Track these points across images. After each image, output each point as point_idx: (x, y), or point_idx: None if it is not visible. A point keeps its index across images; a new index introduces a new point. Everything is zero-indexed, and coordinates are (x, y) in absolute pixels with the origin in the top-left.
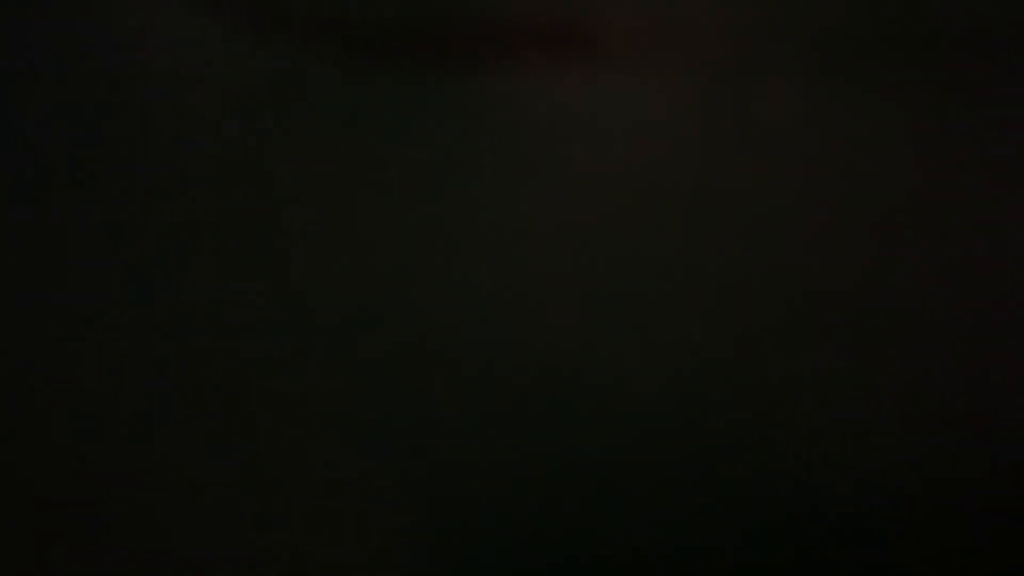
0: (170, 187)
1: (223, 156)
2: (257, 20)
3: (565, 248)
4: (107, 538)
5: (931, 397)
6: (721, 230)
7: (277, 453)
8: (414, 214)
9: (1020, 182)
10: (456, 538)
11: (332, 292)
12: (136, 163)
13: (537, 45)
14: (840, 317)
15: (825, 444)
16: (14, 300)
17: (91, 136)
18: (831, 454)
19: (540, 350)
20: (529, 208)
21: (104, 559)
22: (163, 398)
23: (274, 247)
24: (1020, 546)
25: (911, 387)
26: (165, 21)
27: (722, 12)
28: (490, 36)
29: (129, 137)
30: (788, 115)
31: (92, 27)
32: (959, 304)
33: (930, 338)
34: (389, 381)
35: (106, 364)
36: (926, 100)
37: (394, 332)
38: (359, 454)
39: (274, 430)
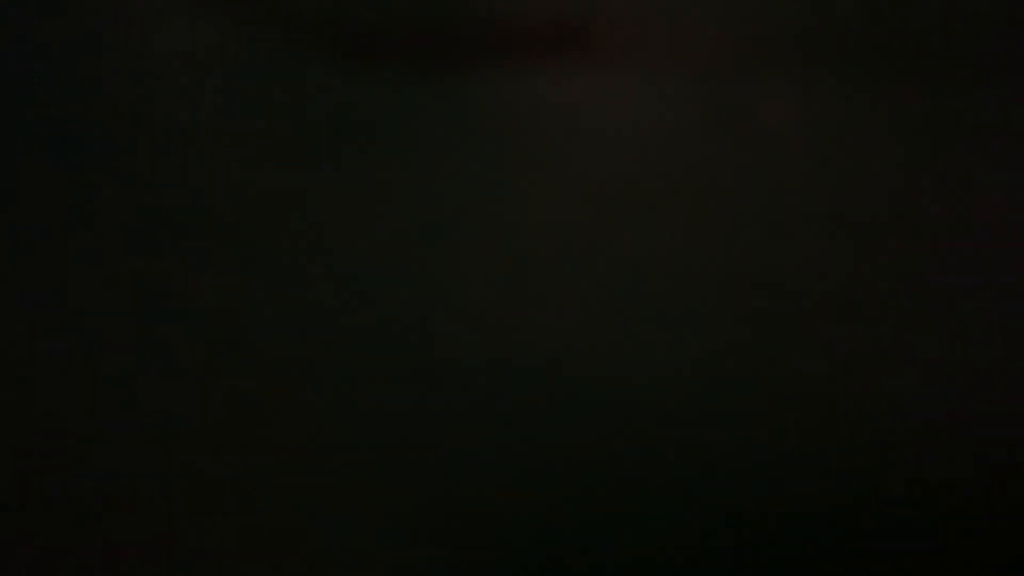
0: (170, 186)
1: (223, 155)
2: (257, 20)
3: (565, 246)
4: (113, 539)
5: (931, 396)
6: (720, 228)
7: (280, 452)
8: (414, 212)
9: (1020, 182)
10: (459, 535)
11: (331, 290)
12: (136, 162)
13: (537, 45)
14: (839, 315)
15: (825, 443)
16: (19, 296)
17: (91, 135)
18: (831, 453)
19: (541, 348)
20: (528, 206)
21: (109, 559)
22: (164, 397)
23: (273, 246)
24: (1019, 546)
25: (911, 386)
26: (165, 21)
27: (722, 12)
28: (490, 36)
29: (129, 136)
30: (787, 115)
31: (91, 27)
32: (959, 303)
33: (930, 337)
34: (388, 378)
35: (106, 361)
36: (924, 100)
37: (395, 330)
38: (363, 452)
39: (275, 427)
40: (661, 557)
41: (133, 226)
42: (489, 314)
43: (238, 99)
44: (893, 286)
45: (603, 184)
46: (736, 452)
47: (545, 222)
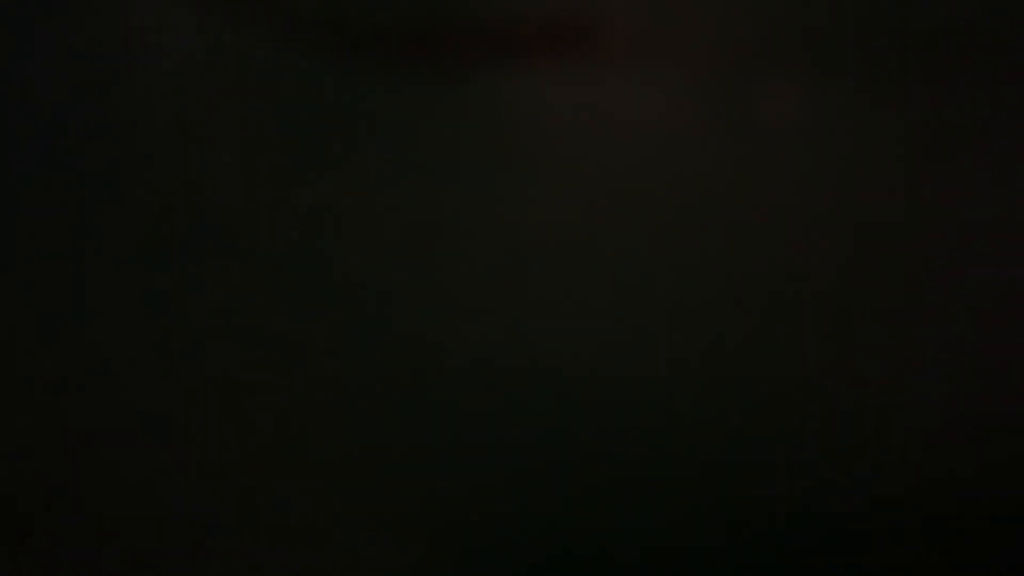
0: (170, 186)
1: (222, 154)
2: (257, 20)
3: (565, 247)
4: (114, 540)
5: (931, 396)
6: (721, 229)
7: (283, 450)
8: (414, 213)
9: (1020, 182)
10: (459, 534)
11: (333, 290)
12: (136, 162)
13: (537, 45)
14: (839, 317)
15: (823, 442)
16: (18, 300)
17: (91, 135)
18: (829, 452)
19: (541, 348)
20: (529, 207)
21: (110, 559)
22: (166, 396)
23: (274, 246)
24: (1018, 546)
25: (910, 386)
26: (165, 21)
27: (722, 12)
28: (490, 36)
29: (129, 136)
30: (788, 115)
31: (91, 26)
32: (959, 303)
33: (930, 337)
34: (392, 378)
35: (110, 365)
36: (925, 100)
37: (395, 329)
38: (365, 453)
39: (279, 427)
40: (662, 556)
41: (134, 225)
42: (491, 313)
43: (237, 98)
44: (897, 286)
45: (605, 184)
46: (738, 451)
47: (548, 222)
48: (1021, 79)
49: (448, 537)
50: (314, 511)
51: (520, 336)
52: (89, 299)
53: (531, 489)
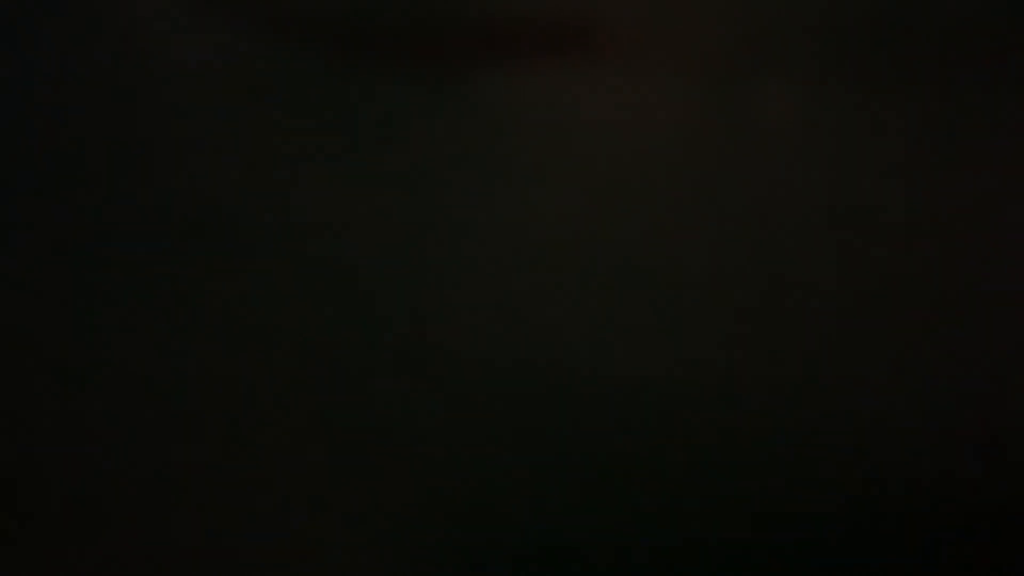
0: (171, 186)
1: (223, 155)
2: (258, 20)
3: (564, 246)
4: (115, 537)
5: (931, 397)
6: (720, 229)
7: (283, 449)
8: (413, 213)
9: (1020, 182)
10: (458, 533)
11: (331, 290)
12: (136, 163)
13: (537, 45)
14: (838, 316)
15: (820, 442)
16: (20, 298)
17: (91, 135)
18: (826, 452)
19: (540, 347)
20: (528, 206)
21: (110, 558)
22: (167, 394)
23: (275, 245)
24: (1018, 546)
25: (910, 386)
26: (166, 22)
27: (722, 12)
28: (490, 36)
29: (130, 137)
30: (787, 114)
31: (92, 27)
32: (958, 303)
33: (929, 337)
34: (387, 378)
35: (108, 358)
36: (925, 100)
37: (394, 329)
38: (365, 449)
39: (275, 429)
40: (662, 555)
41: (135, 225)
42: (491, 314)
43: (237, 98)
44: (897, 286)
45: (604, 183)
46: (737, 451)
47: (548, 221)
48: (1021, 79)
49: (447, 536)
50: (314, 510)
51: (520, 335)
52: (90, 298)
53: (531, 488)
